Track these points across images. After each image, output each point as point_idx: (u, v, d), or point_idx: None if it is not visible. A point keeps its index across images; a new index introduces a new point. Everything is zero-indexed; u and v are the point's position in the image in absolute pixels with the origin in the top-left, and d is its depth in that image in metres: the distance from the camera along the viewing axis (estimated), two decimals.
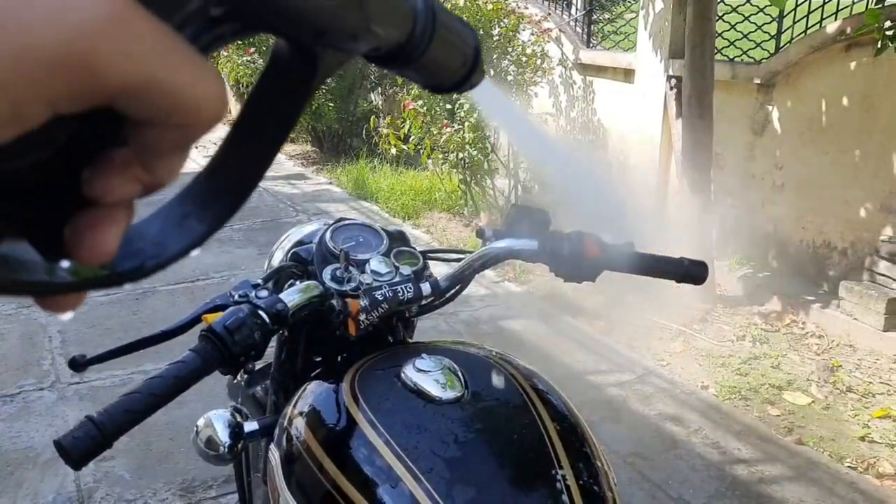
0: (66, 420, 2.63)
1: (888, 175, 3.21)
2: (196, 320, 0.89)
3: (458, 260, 1.12)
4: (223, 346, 0.80)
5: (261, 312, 0.84)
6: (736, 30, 4.06)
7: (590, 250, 1.03)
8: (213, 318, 0.83)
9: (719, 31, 3.84)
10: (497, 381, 0.94)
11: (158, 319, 3.44)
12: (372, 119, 6.02)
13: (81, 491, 2.25)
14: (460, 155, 4.64)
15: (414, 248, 1.11)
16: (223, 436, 1.14)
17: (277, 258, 1.24)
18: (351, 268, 1.03)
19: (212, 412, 1.22)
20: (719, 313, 3.51)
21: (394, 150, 5.47)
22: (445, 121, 4.52)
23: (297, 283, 1.00)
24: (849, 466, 2.38)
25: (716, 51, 3.69)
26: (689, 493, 2.25)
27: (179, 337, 0.97)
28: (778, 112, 3.68)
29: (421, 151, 4.92)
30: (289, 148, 7.36)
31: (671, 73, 4.03)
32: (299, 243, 1.19)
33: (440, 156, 4.81)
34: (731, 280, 3.74)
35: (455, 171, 4.94)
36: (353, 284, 1.01)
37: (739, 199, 3.95)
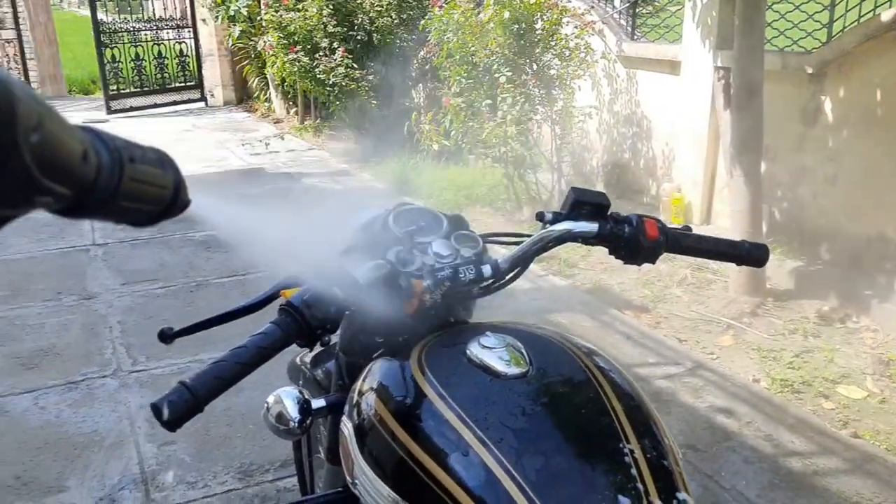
0: (128, 406, 2.73)
1: None
2: (274, 296, 0.93)
3: (517, 243, 1.14)
4: (302, 319, 0.84)
5: (335, 288, 0.88)
6: (786, 19, 3.99)
7: (650, 232, 1.05)
8: (292, 294, 0.87)
9: (769, 21, 3.78)
10: (560, 358, 0.97)
11: (212, 310, 3.51)
12: (413, 115, 6.06)
13: (145, 473, 2.34)
14: (503, 149, 4.66)
15: (473, 232, 1.13)
16: (293, 411, 1.18)
17: (340, 244, 1.28)
18: (413, 250, 1.06)
19: (280, 389, 1.26)
20: (769, 307, 3.47)
21: (435, 146, 5.51)
22: (488, 114, 4.54)
23: (363, 264, 1.04)
24: None
25: (765, 40, 3.63)
26: (741, 484, 2.24)
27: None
28: (830, 102, 3.61)
29: (463, 146, 4.95)
30: (332, 145, 7.46)
31: (719, 64, 3.98)
32: (360, 228, 1.22)
33: (482, 150, 4.83)
34: (781, 274, 3.68)
35: (497, 165, 4.96)
36: (415, 266, 1.04)
37: (790, 191, 3.89)
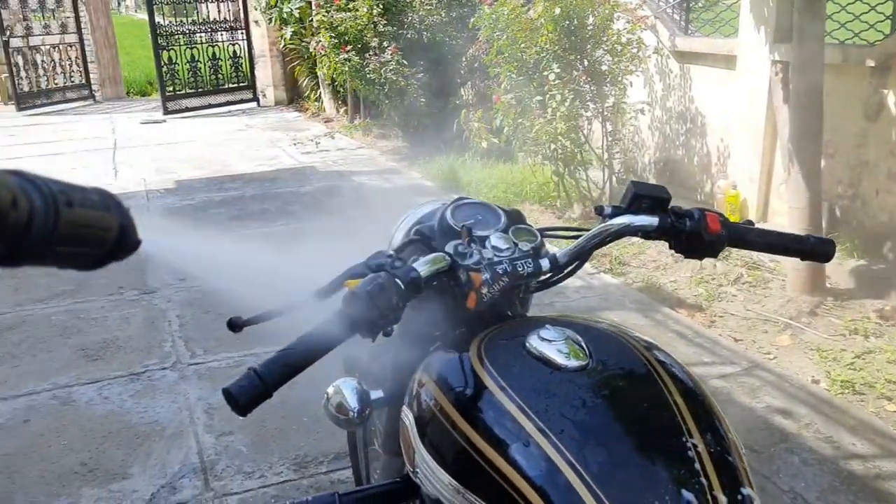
0: (187, 398, 2.81)
1: None
2: (338, 286, 0.95)
3: (575, 237, 1.14)
4: (366, 309, 0.86)
5: (397, 280, 0.90)
6: (847, 11, 3.87)
7: (712, 226, 1.04)
8: (355, 284, 0.89)
9: (829, 13, 3.68)
10: (619, 351, 0.96)
11: (266, 306, 3.60)
12: (463, 113, 6.07)
13: (204, 462, 2.40)
14: (553, 146, 4.63)
15: (531, 226, 1.14)
16: (352, 402, 1.21)
17: (398, 238, 1.30)
18: (472, 243, 1.07)
19: (340, 381, 1.29)
20: (829, 306, 3.37)
21: (484, 144, 5.50)
22: (538, 111, 4.52)
23: (422, 257, 1.05)
24: None
25: (825, 33, 3.53)
26: (800, 486, 2.19)
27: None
28: (894, 96, 3.49)
29: (513, 144, 4.94)
30: (381, 144, 7.52)
31: (776, 58, 3.89)
32: (417, 223, 1.24)
33: (532, 148, 4.81)
34: (841, 272, 3.58)
35: (548, 162, 4.93)
36: (474, 259, 1.05)
37: (851, 187, 3.78)
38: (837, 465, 2.29)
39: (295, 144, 7.55)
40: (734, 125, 4.42)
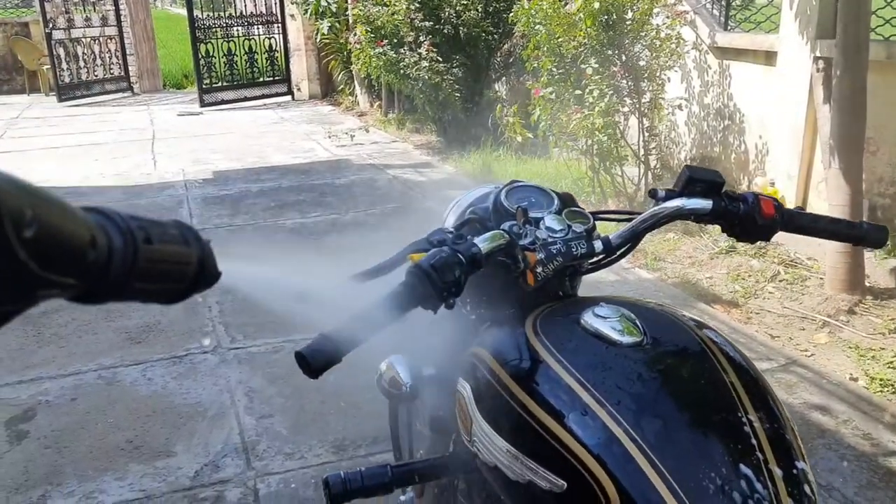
0: (228, 380, 2.87)
1: None
2: (402, 260, 0.98)
3: (628, 220, 1.16)
4: (429, 282, 0.89)
5: (459, 254, 0.92)
6: (892, 7, 3.82)
7: (766, 210, 1.05)
8: (419, 258, 0.92)
9: (873, 9, 3.63)
10: (673, 329, 0.98)
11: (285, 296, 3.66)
12: (498, 108, 6.09)
13: (246, 443, 2.46)
14: (589, 141, 4.63)
15: (584, 209, 1.16)
16: (405, 376, 1.24)
17: (450, 221, 1.33)
18: (527, 224, 1.09)
19: (392, 356, 1.33)
20: (868, 305, 3.34)
21: (519, 139, 5.52)
22: (576, 106, 4.52)
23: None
24: None
25: (870, 29, 3.49)
26: (838, 481, 2.18)
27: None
28: None
29: (549, 138, 4.94)
30: (415, 138, 7.56)
31: (818, 54, 3.85)
32: (470, 206, 1.27)
33: (568, 143, 4.81)
34: (881, 272, 3.54)
35: (583, 157, 4.93)
36: (529, 239, 1.07)
37: (892, 185, 3.73)
38: (876, 462, 2.27)
39: (329, 137, 7.62)
40: (773, 122, 4.38)
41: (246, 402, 2.72)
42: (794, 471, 0.83)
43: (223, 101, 9.96)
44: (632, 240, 1.13)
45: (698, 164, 5.15)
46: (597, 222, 1.16)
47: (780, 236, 3.53)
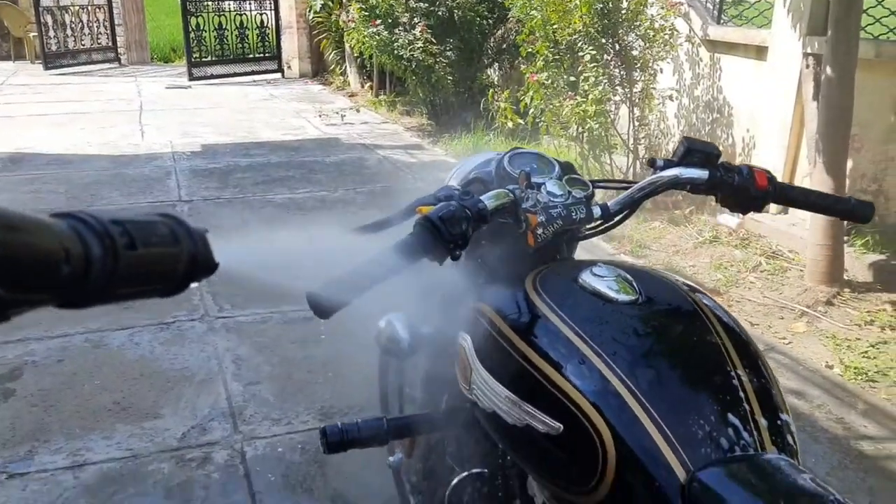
0: (215, 348, 2.89)
1: None
2: (411, 212, 1.01)
3: (625, 188, 1.20)
4: (437, 233, 0.92)
5: (466, 209, 0.96)
6: (883, 6, 3.89)
7: (759, 182, 1.09)
8: (428, 210, 0.95)
9: (864, 7, 3.69)
10: (667, 290, 1.03)
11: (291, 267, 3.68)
12: (490, 93, 6.11)
13: (233, 408, 2.49)
14: (580, 129, 4.67)
15: (583, 177, 1.20)
16: (404, 333, 1.28)
17: (452, 185, 1.36)
18: (529, 189, 1.13)
19: (391, 314, 1.36)
20: (846, 298, 3.42)
21: (510, 124, 5.55)
22: (570, 93, 4.55)
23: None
24: None
25: (860, 28, 3.55)
26: (810, 461, 2.25)
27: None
28: None
29: (540, 124, 4.98)
30: (405, 120, 7.56)
31: (809, 50, 3.91)
32: (472, 171, 1.30)
33: (560, 130, 4.85)
34: (860, 266, 3.62)
35: (573, 144, 4.97)
36: (530, 203, 1.11)
37: (875, 183, 3.81)
38: (848, 445, 2.35)
39: (320, 116, 7.60)
40: (761, 116, 4.44)
41: (233, 370, 2.74)
42: (779, 422, 0.87)
43: (212, 76, 9.88)
44: (629, 207, 1.17)
45: None
46: (595, 191, 1.19)
47: (764, 229, 3.62)
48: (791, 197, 1.14)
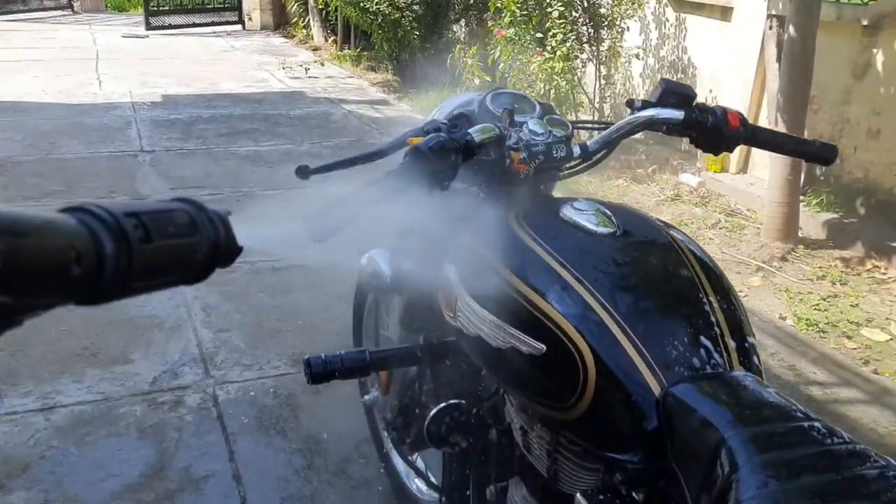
0: (184, 296, 2.88)
1: None
2: (402, 143, 1.04)
3: (604, 129, 1.23)
4: (427, 163, 0.94)
5: (455, 141, 0.98)
6: None
7: (732, 123, 1.14)
8: (418, 141, 0.97)
9: None
10: (644, 225, 1.07)
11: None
12: (457, 49, 6.07)
13: (204, 354, 2.50)
14: (547, 86, 4.69)
15: (563, 117, 1.23)
16: (386, 269, 1.31)
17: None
18: (511, 127, 1.16)
19: (373, 251, 1.39)
20: (800, 254, 3.55)
21: (477, 81, 5.54)
22: (537, 49, 4.56)
23: None
24: None
25: None
26: None
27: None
28: (882, 56, 3.62)
29: (507, 81, 4.98)
30: (371, 75, 7.48)
31: (773, 12, 3.97)
32: (454, 109, 1.31)
33: (527, 86, 4.87)
34: (814, 223, 3.75)
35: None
36: (513, 140, 1.14)
37: (831, 143, 3.91)
38: (798, 390, 2.47)
39: (283, 69, 7.47)
40: (724, 77, 4.52)
41: (203, 317, 2.74)
42: (746, 344, 0.93)
43: (170, 26, 9.61)
44: (607, 146, 1.20)
45: None
46: (574, 131, 1.23)
47: (723, 188, 3.71)
48: (760, 138, 1.19)
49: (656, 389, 0.85)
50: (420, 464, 1.74)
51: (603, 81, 4.79)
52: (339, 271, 3.04)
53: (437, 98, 6.14)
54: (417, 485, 1.80)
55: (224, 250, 0.55)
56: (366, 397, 1.77)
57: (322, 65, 7.67)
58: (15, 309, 0.39)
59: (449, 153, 0.96)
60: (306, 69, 7.27)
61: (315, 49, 8.77)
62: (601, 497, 0.88)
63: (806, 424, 0.79)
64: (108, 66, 7.30)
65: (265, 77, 7.12)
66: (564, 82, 4.54)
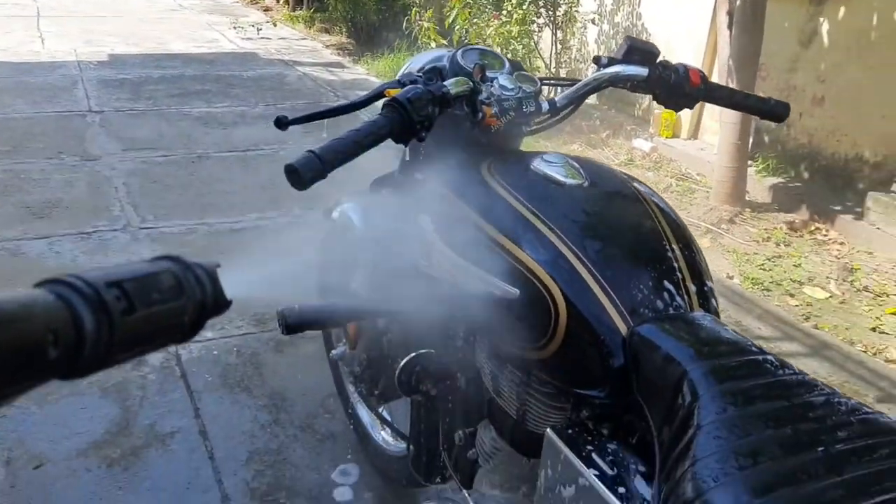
0: (142, 258, 2.84)
1: None
2: (379, 95, 1.06)
3: (571, 85, 1.27)
4: (405, 113, 0.97)
5: (431, 92, 1.01)
6: None
7: (693, 80, 1.19)
8: (395, 92, 0.99)
9: None
10: (611, 177, 1.12)
11: (214, 180, 3.63)
12: (413, 12, 6.02)
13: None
14: (504, 51, 4.71)
15: (532, 74, 1.26)
16: (359, 222, 1.33)
17: None
18: (482, 82, 1.19)
19: (345, 205, 1.41)
20: (747, 217, 3.68)
21: (433, 45, 5.51)
22: (494, 12, 4.56)
23: None
24: (860, 350, 2.61)
25: None
26: None
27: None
28: (827, 24, 3.73)
29: (465, 44, 4.97)
30: (325, 38, 7.37)
31: None
32: (425, 64, 1.33)
33: None
34: (761, 188, 3.89)
35: None
36: (484, 95, 1.17)
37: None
38: None
39: (234, 29, 7.30)
40: (677, 43, 4.60)
41: None
42: (705, 288, 0.99)
43: None
44: (574, 102, 1.24)
45: None
46: (542, 87, 1.26)
47: (675, 153, 3.81)
48: (719, 95, 1.25)
49: (623, 329, 0.91)
50: (386, 416, 1.79)
51: (559, 46, 4.83)
52: (302, 235, 3.04)
53: (393, 61, 6.11)
54: (383, 436, 1.85)
55: (212, 308, 0.53)
56: (333, 352, 1.80)
57: (275, 25, 7.53)
58: None
59: (426, 104, 0.99)
60: (258, 30, 7.12)
61: (266, 9, 8.58)
62: (570, 431, 0.94)
63: (760, 358, 0.85)
64: (50, 23, 7.03)
65: (216, 37, 6.95)
66: (521, 47, 4.56)
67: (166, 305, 0.49)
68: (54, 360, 0.41)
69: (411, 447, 1.54)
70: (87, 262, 2.78)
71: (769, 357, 0.85)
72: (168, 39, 6.70)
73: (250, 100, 5.05)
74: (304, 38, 7.30)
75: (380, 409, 1.75)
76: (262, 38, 7.03)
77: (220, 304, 0.54)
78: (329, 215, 1.63)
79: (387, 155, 1.24)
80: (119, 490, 1.77)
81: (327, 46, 7.00)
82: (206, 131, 4.37)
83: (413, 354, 1.30)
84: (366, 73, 6.10)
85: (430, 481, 1.56)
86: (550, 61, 4.90)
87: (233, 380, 2.20)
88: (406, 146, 1.01)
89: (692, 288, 0.97)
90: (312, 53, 6.68)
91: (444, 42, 5.43)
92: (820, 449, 0.71)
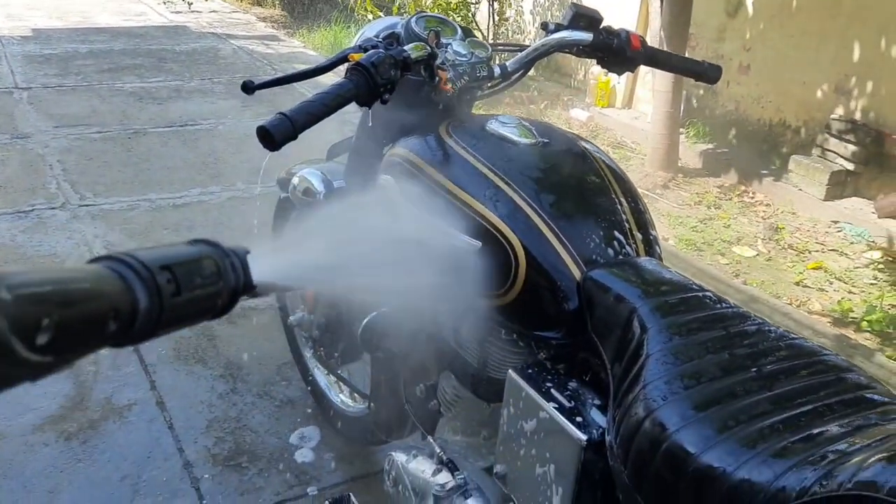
0: (83, 234, 2.80)
1: (846, 59, 3.50)
2: (343, 60, 1.09)
3: (520, 50, 1.33)
4: (370, 76, 1.01)
5: (392, 56, 1.05)
6: None
7: (634, 44, 1.27)
8: (359, 57, 1.03)
9: None
10: (561, 137, 1.19)
11: (153, 156, 3.57)
12: None
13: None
14: None
15: (484, 41, 1.32)
16: (319, 186, 1.37)
17: None
18: (437, 48, 1.23)
19: (303, 170, 1.44)
20: (679, 182, 3.84)
21: (370, 17, 5.49)
22: None
23: None
24: (785, 303, 2.78)
25: None
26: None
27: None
28: None
29: (403, 16, 4.97)
30: (257, 10, 7.24)
31: None
32: (380, 32, 1.37)
33: None
34: (692, 154, 4.05)
35: None
36: (439, 60, 1.22)
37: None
38: None
39: (164, 3, 7.08)
40: (610, 14, 4.67)
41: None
42: (650, 237, 1.08)
43: None
44: (524, 67, 1.30)
45: None
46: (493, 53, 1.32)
47: (610, 122, 3.96)
48: (657, 59, 1.33)
49: (577, 275, 0.98)
50: (346, 377, 1.84)
51: (497, 17, 4.88)
52: (244, 206, 3.04)
53: (330, 34, 6.05)
54: (342, 398, 1.90)
55: (241, 292, 0.57)
56: (291, 318, 1.83)
57: None
58: (50, 368, 0.42)
59: (389, 68, 1.03)
60: (189, 3, 6.94)
61: None
62: (530, 371, 1.01)
63: (700, 294, 0.94)
64: None
65: (143, 10, 6.74)
66: (459, 18, 4.60)
67: (206, 290, 0.53)
68: (112, 333, 0.46)
69: (372, 405, 1.60)
70: (26, 240, 2.72)
71: (708, 293, 0.94)
72: (93, 13, 6.47)
73: (184, 74, 4.95)
74: (236, 11, 7.15)
75: (339, 371, 1.80)
76: (193, 11, 6.86)
77: (248, 288, 0.59)
78: (286, 183, 1.66)
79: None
80: (79, 462, 1.77)
81: (260, 19, 6.88)
82: (141, 107, 4.27)
83: (374, 314, 1.35)
84: (302, 46, 6.03)
85: (391, 437, 1.62)
86: (488, 33, 4.95)
87: (187, 352, 2.21)
88: (369, 109, 1.05)
89: (639, 236, 1.05)
90: (245, 27, 6.56)
91: (381, 14, 5.41)
92: (753, 370, 0.80)
